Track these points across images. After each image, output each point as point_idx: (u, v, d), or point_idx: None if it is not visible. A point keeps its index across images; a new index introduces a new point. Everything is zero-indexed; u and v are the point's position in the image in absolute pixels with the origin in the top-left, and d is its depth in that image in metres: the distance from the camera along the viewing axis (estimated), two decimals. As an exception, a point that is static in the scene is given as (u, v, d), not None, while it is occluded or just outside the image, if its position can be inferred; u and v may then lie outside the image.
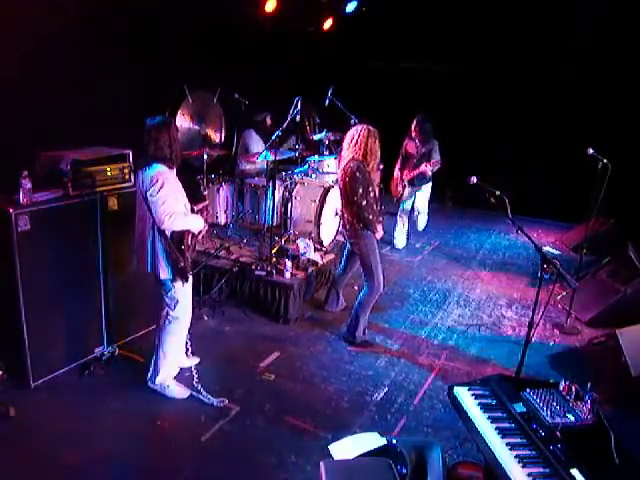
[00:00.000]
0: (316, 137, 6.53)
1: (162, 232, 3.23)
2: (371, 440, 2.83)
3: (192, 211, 3.45)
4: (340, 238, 5.56)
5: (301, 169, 5.83)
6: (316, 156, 6.18)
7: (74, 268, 3.61)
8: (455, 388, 2.59)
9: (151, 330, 3.99)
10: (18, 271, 3.27)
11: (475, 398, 2.50)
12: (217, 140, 5.99)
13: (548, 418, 2.20)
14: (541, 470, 2.04)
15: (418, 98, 7.25)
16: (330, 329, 4.68)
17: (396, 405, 3.68)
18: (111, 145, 3.93)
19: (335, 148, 6.42)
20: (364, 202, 4.16)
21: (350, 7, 7.73)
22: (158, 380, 3.58)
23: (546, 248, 6.69)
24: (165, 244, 3.26)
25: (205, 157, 5.32)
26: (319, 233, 5.45)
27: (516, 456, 2.11)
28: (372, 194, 4.22)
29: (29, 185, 3.28)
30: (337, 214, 5.60)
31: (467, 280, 5.99)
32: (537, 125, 7.74)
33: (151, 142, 3.20)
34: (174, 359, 3.61)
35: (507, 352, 4.39)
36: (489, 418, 2.35)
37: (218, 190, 5.69)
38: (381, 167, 6.68)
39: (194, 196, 3.75)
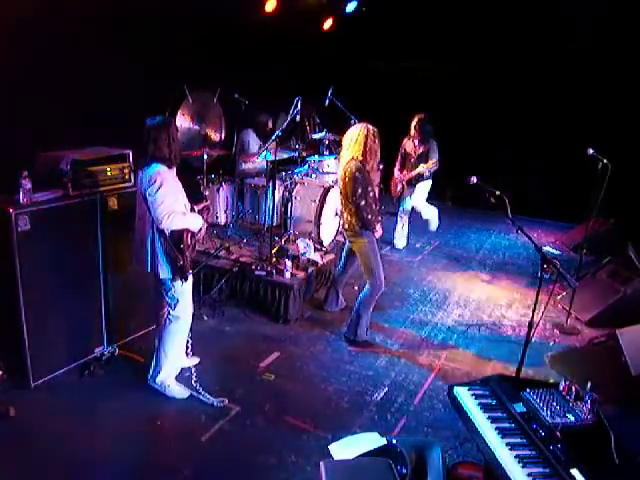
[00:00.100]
0: (316, 137, 6.53)
1: (161, 231, 3.24)
2: (371, 440, 2.83)
3: (192, 211, 3.45)
4: (340, 238, 5.56)
5: (301, 169, 5.83)
6: (316, 156, 6.18)
7: (74, 268, 3.61)
8: (455, 388, 2.60)
9: (151, 330, 3.99)
10: (18, 271, 3.27)
11: (475, 398, 2.50)
12: (217, 140, 6.00)
13: (548, 418, 2.20)
14: (541, 470, 2.04)
15: (418, 98, 7.24)
16: (330, 329, 4.68)
17: (396, 405, 3.68)
18: (111, 145, 3.93)
19: (335, 148, 6.42)
20: (363, 202, 4.16)
21: (350, 7, 7.73)
22: (159, 379, 3.58)
23: (546, 248, 6.69)
24: (164, 243, 3.26)
25: (205, 157, 5.32)
26: (319, 233, 5.45)
27: (516, 456, 2.11)
28: (371, 194, 4.22)
29: (29, 185, 3.28)
30: (337, 214, 5.61)
31: (467, 280, 5.99)
32: (537, 125, 7.74)
33: (150, 142, 3.20)
34: (175, 359, 3.61)
35: (507, 352, 4.39)
36: (489, 418, 2.35)
37: (218, 190, 5.70)
38: (381, 167, 6.71)
39: (194, 196, 3.75)
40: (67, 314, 3.63)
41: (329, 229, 5.64)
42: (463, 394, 2.54)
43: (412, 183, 6.41)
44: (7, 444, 3.07)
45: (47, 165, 3.57)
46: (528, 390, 2.39)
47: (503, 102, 7.85)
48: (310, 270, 5.07)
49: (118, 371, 3.84)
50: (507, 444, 2.18)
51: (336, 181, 5.12)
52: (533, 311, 3.01)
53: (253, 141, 6.09)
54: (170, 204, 3.17)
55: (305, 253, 5.17)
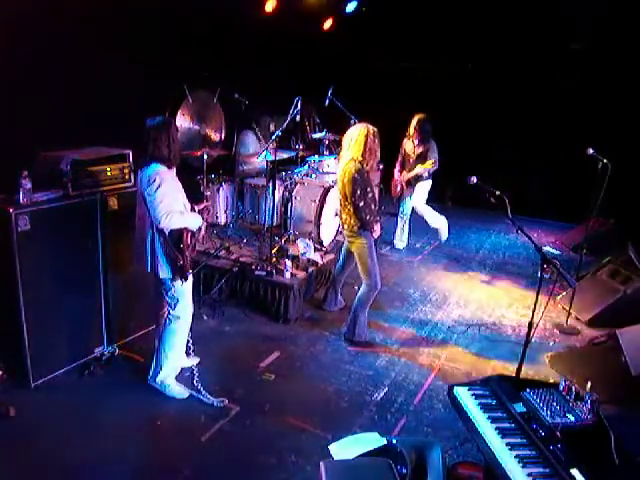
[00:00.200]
0: (316, 137, 6.53)
1: (161, 231, 3.24)
2: (371, 440, 2.83)
3: (193, 211, 3.46)
4: (340, 238, 5.56)
5: (301, 169, 5.83)
6: (316, 156, 6.18)
7: (74, 268, 3.61)
8: (455, 388, 2.60)
9: (151, 330, 3.99)
10: (18, 271, 3.27)
11: (475, 398, 2.50)
12: (217, 140, 6.00)
13: (548, 418, 2.20)
14: (541, 470, 2.04)
15: (418, 98, 7.24)
16: (330, 329, 4.68)
17: (396, 405, 3.68)
18: (111, 145, 3.93)
19: (335, 148, 6.41)
20: (361, 203, 4.17)
21: (350, 7, 7.73)
22: (159, 379, 3.58)
23: (546, 248, 6.69)
24: (164, 243, 3.27)
25: (205, 157, 5.32)
26: (319, 233, 5.45)
27: (516, 456, 2.11)
28: (370, 195, 4.23)
29: (29, 185, 3.28)
30: (337, 214, 5.60)
31: (467, 280, 5.99)
32: (537, 125, 7.74)
33: (150, 142, 3.21)
34: (175, 359, 3.61)
35: (507, 352, 4.39)
36: (489, 418, 2.35)
37: (218, 190, 5.70)
38: (381, 167, 6.72)
39: (194, 196, 3.75)
40: (67, 314, 3.63)
41: (329, 229, 5.64)
42: (463, 394, 2.54)
43: (411, 184, 6.40)
44: (7, 444, 3.07)
45: (47, 165, 3.57)
46: (528, 390, 2.39)
47: (503, 102, 7.86)
48: (310, 270, 5.07)
49: (118, 371, 3.84)
50: (507, 444, 2.18)
51: (336, 181, 5.12)
52: (533, 311, 3.00)
53: (252, 142, 6.09)
54: (169, 204, 3.17)
55: (305, 253, 5.17)
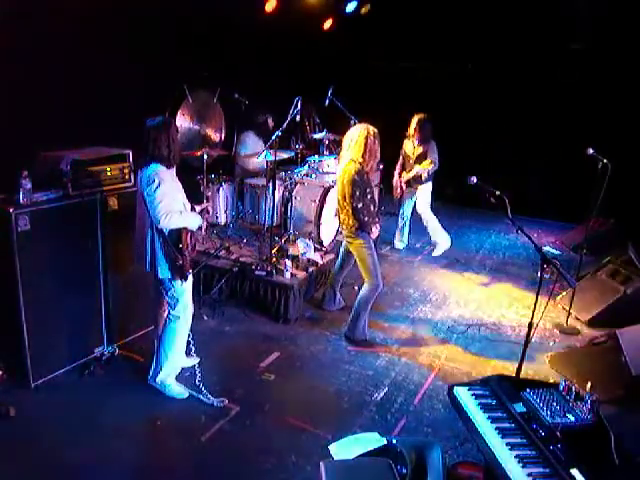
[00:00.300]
0: (316, 137, 6.53)
1: (160, 231, 3.24)
2: (371, 440, 2.82)
3: (193, 211, 3.46)
4: (340, 238, 5.56)
5: (301, 169, 5.83)
6: (316, 156, 6.18)
7: (74, 268, 3.61)
8: (455, 388, 2.60)
9: (151, 330, 3.99)
10: (18, 271, 3.27)
11: (475, 398, 2.50)
12: (217, 140, 6.00)
13: (548, 418, 2.20)
14: (541, 470, 2.04)
15: (418, 98, 7.24)
16: (330, 329, 4.68)
17: (396, 405, 3.68)
18: (111, 145, 3.93)
19: (335, 148, 6.41)
20: (360, 204, 4.17)
21: (350, 7, 7.73)
22: (159, 379, 3.59)
23: (546, 248, 6.69)
24: (163, 243, 3.27)
25: (205, 157, 5.32)
26: (319, 233, 5.45)
27: (516, 456, 2.11)
28: (369, 196, 4.23)
29: (29, 185, 3.28)
30: (336, 214, 5.60)
31: (467, 280, 5.99)
32: (537, 125, 7.74)
33: (150, 142, 3.21)
34: (175, 358, 3.61)
35: (507, 352, 4.39)
36: (489, 418, 2.35)
37: (218, 190, 5.69)
38: (381, 167, 6.71)
39: (194, 196, 3.75)
40: (67, 314, 3.63)
41: (329, 229, 5.64)
42: (463, 394, 2.54)
43: (411, 184, 6.39)
44: (7, 444, 3.07)
45: (47, 165, 3.57)
46: (528, 390, 2.39)
47: (503, 102, 7.85)
48: (310, 270, 5.07)
49: (118, 371, 3.84)
50: (507, 444, 2.18)
51: (335, 181, 5.12)
52: (533, 311, 3.00)
53: (253, 143, 6.09)
54: (168, 203, 3.17)
55: (305, 253, 5.17)
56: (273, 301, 4.78)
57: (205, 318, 4.67)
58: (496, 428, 2.28)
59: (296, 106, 5.12)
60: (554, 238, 7.37)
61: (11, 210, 3.19)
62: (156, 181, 3.16)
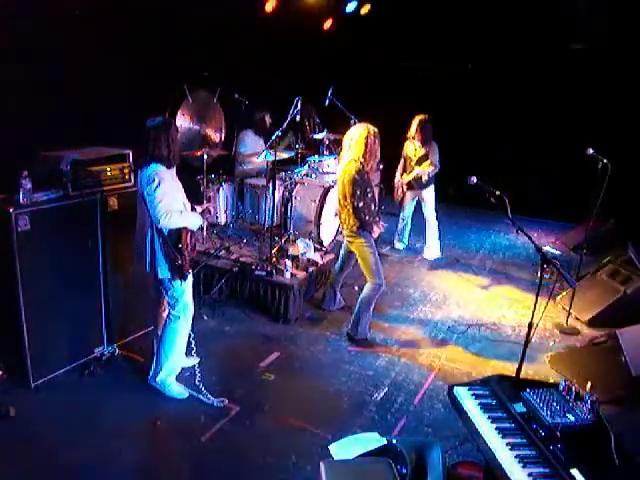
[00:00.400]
0: (316, 137, 6.53)
1: (160, 231, 3.24)
2: (371, 440, 2.82)
3: (193, 211, 3.46)
4: (340, 238, 5.56)
5: (301, 169, 5.83)
6: (316, 156, 6.18)
7: (74, 268, 3.61)
8: (455, 388, 2.60)
9: (151, 330, 3.99)
10: (18, 271, 3.27)
11: (475, 398, 2.50)
12: (217, 140, 6.00)
13: (548, 418, 2.20)
14: (541, 470, 2.04)
15: (418, 98, 7.25)
16: (330, 329, 4.68)
17: (396, 405, 3.68)
18: (111, 145, 3.93)
19: (335, 148, 6.41)
20: (360, 204, 4.18)
21: (350, 7, 7.73)
22: (159, 379, 3.59)
23: (546, 248, 6.68)
24: (163, 243, 3.27)
25: (205, 157, 5.32)
26: (319, 233, 5.45)
27: (516, 456, 2.11)
28: (370, 195, 4.23)
29: (29, 185, 3.28)
30: (337, 214, 5.60)
31: (467, 280, 5.99)
32: (537, 125, 7.74)
33: (150, 142, 3.21)
34: (175, 358, 3.61)
35: (507, 352, 4.39)
36: (489, 418, 2.35)
37: (218, 190, 5.69)
38: (381, 167, 6.70)
39: (194, 196, 3.75)
40: (67, 314, 3.63)
41: (329, 229, 5.64)
42: (463, 394, 2.54)
43: (412, 187, 6.37)
44: (7, 444, 3.07)
45: (47, 165, 3.57)
46: (528, 390, 2.39)
47: (503, 102, 7.85)
48: (310, 270, 5.07)
49: (118, 371, 3.84)
50: (507, 444, 2.18)
51: (336, 181, 5.12)
52: (533, 311, 3.00)
53: (252, 142, 6.09)
54: (168, 203, 3.17)
55: (305, 253, 5.17)
56: (273, 301, 4.78)
57: (205, 318, 4.67)
58: (496, 428, 2.28)
59: (296, 106, 5.12)
60: (554, 238, 7.37)
61: (11, 210, 3.19)
62: (156, 180, 3.16)
